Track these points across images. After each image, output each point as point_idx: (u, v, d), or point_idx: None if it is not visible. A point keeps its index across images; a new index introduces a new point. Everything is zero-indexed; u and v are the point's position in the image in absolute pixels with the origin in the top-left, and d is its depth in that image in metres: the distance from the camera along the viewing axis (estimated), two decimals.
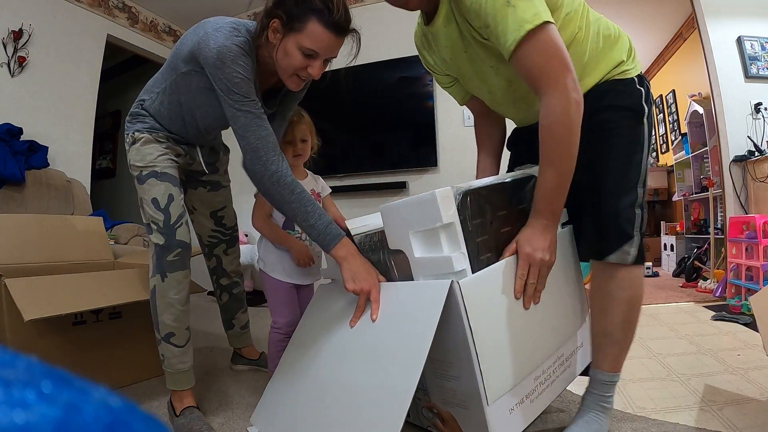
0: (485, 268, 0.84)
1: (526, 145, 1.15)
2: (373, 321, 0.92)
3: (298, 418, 0.98)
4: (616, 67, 0.96)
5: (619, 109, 0.95)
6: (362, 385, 0.86)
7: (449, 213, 0.80)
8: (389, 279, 0.98)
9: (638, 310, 0.98)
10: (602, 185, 0.95)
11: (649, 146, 0.99)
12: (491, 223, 0.88)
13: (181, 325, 1.18)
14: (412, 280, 0.90)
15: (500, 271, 0.86)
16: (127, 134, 1.21)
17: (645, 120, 0.96)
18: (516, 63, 0.81)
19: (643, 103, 0.96)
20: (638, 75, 0.98)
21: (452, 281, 0.78)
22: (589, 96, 0.94)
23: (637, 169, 0.95)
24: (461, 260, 0.81)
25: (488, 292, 0.84)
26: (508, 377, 0.85)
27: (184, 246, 1.16)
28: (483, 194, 0.87)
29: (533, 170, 0.98)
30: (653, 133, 1.05)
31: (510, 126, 1.21)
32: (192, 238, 1.22)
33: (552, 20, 0.80)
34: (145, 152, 1.17)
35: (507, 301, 0.86)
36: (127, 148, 1.21)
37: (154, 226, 1.14)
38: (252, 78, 1.03)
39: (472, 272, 0.82)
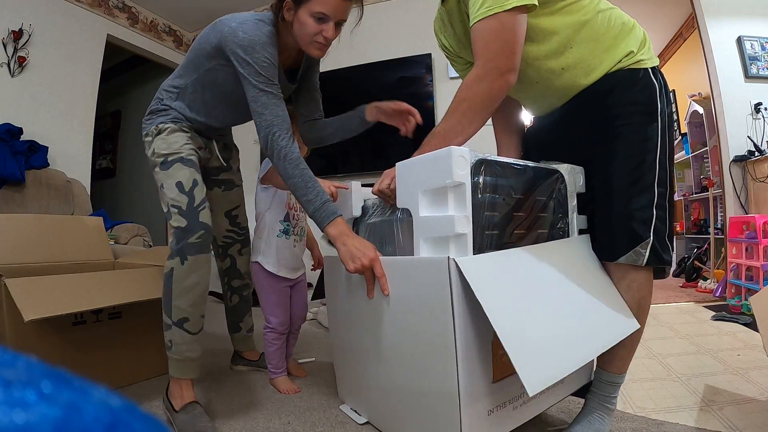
0: (491, 252, 0.81)
1: (537, 148, 1.14)
2: (386, 295, 0.94)
3: (372, 397, 1.08)
4: (627, 56, 0.94)
5: (630, 104, 0.92)
6: (406, 384, 0.91)
7: (461, 173, 0.78)
8: (394, 242, 1.00)
9: (646, 312, 0.97)
10: (613, 186, 0.94)
11: (666, 144, 0.95)
12: (503, 199, 0.86)
13: (197, 312, 1.14)
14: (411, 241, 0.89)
15: (506, 259, 0.83)
16: (149, 128, 1.23)
17: (659, 116, 0.93)
18: (471, 36, 0.90)
19: (657, 98, 0.93)
20: (653, 67, 0.96)
21: (448, 258, 0.76)
22: (601, 83, 0.94)
23: (651, 168, 0.92)
24: (463, 223, 0.77)
25: (491, 277, 0.80)
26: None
27: (207, 228, 1.13)
28: (499, 169, 0.85)
29: (561, 167, 0.97)
30: (674, 129, 1.01)
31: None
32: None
33: (522, 4, 0.83)
34: (171, 140, 1.19)
35: (513, 293, 0.82)
36: (149, 140, 1.22)
37: (174, 210, 1.12)
38: (277, 65, 1.10)
39: (474, 244, 0.79)
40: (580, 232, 1.03)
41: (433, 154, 0.81)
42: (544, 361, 0.74)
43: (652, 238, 0.92)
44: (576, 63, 0.94)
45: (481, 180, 0.81)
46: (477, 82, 0.86)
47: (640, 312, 0.96)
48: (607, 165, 0.95)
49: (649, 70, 0.94)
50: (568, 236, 1.00)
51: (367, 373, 1.07)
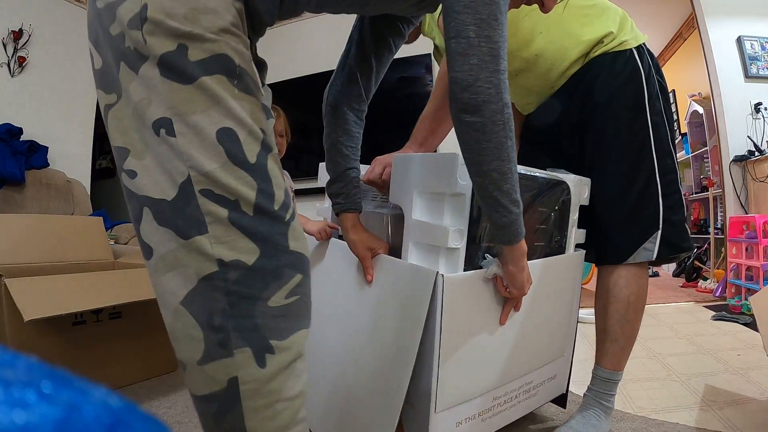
0: (474, 271, 0.78)
1: (529, 145, 1.15)
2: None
3: (315, 401, 0.96)
4: (607, 36, 0.92)
5: (617, 96, 0.91)
6: (361, 380, 0.87)
7: (463, 183, 0.72)
8: (384, 237, 0.94)
9: (638, 309, 0.97)
10: (613, 189, 0.94)
11: (660, 129, 0.93)
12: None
13: None
14: (401, 241, 0.84)
15: (482, 277, 0.80)
16: None
17: (647, 105, 0.92)
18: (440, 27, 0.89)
19: (644, 83, 0.92)
20: (639, 46, 0.94)
21: (437, 273, 0.72)
22: (585, 71, 0.94)
23: (648, 160, 0.92)
24: (457, 238, 0.74)
25: (470, 296, 0.78)
26: (464, 389, 0.80)
27: (305, 268, 0.53)
28: None
29: (567, 177, 0.94)
30: (671, 109, 0.97)
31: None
32: None
33: None
34: (200, 4, 0.48)
35: (485, 312, 0.81)
36: (131, 15, 0.48)
37: (219, 209, 0.47)
38: None
39: (466, 256, 0.76)
40: (577, 246, 1.01)
41: (436, 155, 0.77)
42: (463, 385, 0.79)
43: (662, 229, 0.92)
44: (547, 46, 0.93)
45: None
46: None
47: (629, 309, 0.95)
48: (603, 167, 0.95)
49: (634, 50, 0.93)
50: (564, 251, 0.97)
51: (320, 374, 0.98)
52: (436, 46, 1.13)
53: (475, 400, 0.82)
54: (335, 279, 0.99)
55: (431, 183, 0.77)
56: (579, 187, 0.96)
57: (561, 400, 1.10)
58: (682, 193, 0.98)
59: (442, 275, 0.71)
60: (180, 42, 0.46)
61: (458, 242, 0.74)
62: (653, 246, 0.92)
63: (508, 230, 0.69)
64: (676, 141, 4.39)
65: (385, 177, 0.89)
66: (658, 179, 0.92)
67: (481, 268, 0.79)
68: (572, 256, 0.99)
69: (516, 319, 0.86)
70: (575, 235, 0.99)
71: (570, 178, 0.95)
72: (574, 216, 0.97)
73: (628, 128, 0.92)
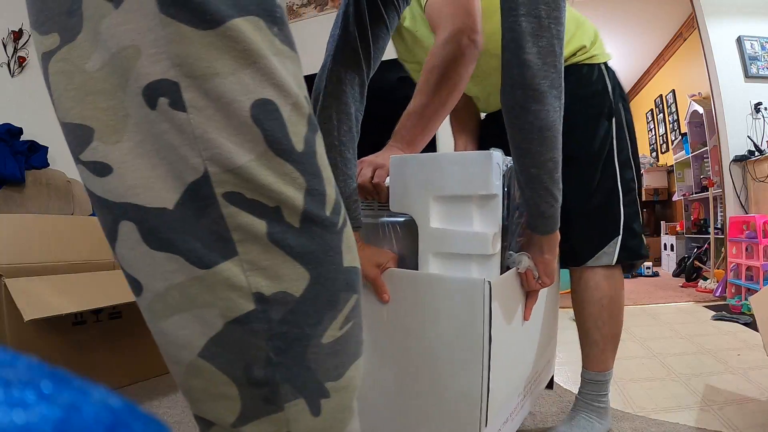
0: (507, 272, 0.73)
1: (493, 138, 1.14)
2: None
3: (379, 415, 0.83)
4: (580, 50, 0.94)
5: (581, 101, 0.91)
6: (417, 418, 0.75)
7: (498, 183, 0.66)
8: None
9: (614, 311, 0.95)
10: (576, 193, 0.93)
11: (624, 141, 0.95)
12: (517, 209, 0.77)
13: None
14: (409, 252, 0.75)
15: (514, 280, 0.76)
16: None
17: (612, 115, 0.93)
18: (427, 17, 0.88)
19: (611, 95, 0.94)
20: (605, 63, 0.96)
21: (484, 281, 0.63)
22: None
23: (611, 168, 0.93)
24: (496, 242, 0.66)
25: (505, 298, 0.72)
26: (505, 395, 0.75)
27: (359, 280, 0.40)
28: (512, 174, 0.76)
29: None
30: (632, 123, 1.00)
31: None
32: None
33: None
34: None
35: (513, 311, 0.77)
36: None
37: (262, 226, 0.32)
38: None
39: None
40: None
41: (462, 154, 0.72)
42: (503, 391, 0.74)
43: (622, 234, 0.93)
44: None
45: (505, 189, 0.71)
46: (442, 46, 0.80)
47: (602, 311, 0.94)
48: (568, 171, 0.95)
49: (602, 66, 0.95)
50: None
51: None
52: (416, 38, 1.09)
53: (507, 402, 0.78)
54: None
55: (454, 185, 0.68)
56: None
57: (550, 383, 1.11)
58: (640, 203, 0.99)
59: (489, 282, 0.63)
60: None
61: (497, 247, 0.68)
62: (613, 251, 0.93)
63: (552, 219, 0.68)
64: (675, 142, 4.40)
65: (377, 180, 0.81)
66: (620, 186, 0.93)
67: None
68: None
69: (519, 329, 0.83)
70: None
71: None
72: None
73: (593, 134, 0.93)
